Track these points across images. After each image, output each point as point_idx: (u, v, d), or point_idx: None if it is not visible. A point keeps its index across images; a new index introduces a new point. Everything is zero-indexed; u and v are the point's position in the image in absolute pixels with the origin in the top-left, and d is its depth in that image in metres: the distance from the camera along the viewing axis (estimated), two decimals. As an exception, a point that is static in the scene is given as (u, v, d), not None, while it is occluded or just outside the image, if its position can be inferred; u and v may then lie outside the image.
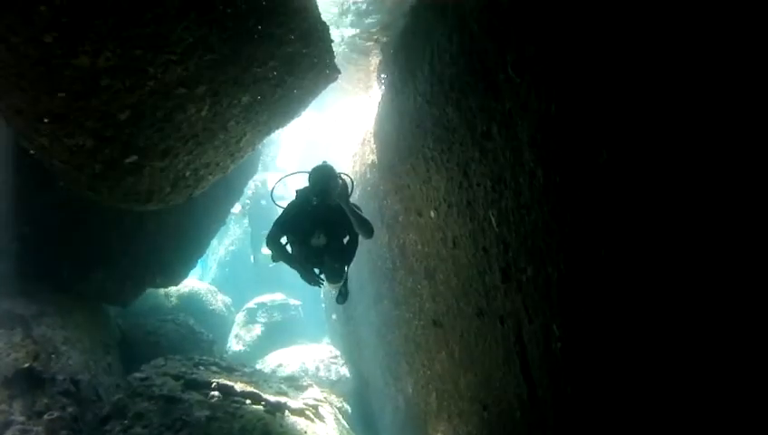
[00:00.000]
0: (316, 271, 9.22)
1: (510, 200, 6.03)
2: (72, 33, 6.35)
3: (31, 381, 9.99)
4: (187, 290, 21.71)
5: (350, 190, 8.80)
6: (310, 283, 9.15)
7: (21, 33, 6.28)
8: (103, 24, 6.39)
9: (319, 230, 8.97)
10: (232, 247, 32.39)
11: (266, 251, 22.06)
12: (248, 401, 10.73)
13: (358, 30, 12.34)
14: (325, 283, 9.47)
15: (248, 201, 28.55)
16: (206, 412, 9.92)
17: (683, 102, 3.44)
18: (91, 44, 6.52)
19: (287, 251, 9.20)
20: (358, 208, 8.74)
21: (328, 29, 9.14)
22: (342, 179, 8.74)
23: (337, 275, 9.44)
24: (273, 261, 9.30)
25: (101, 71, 6.83)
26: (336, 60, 9.89)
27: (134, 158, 8.11)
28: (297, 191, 8.97)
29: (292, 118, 10.54)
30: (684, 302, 3.58)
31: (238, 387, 10.99)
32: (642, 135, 3.81)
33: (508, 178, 6.01)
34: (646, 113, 3.77)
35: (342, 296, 9.61)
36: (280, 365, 18.88)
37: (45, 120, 7.36)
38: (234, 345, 23.46)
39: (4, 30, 6.25)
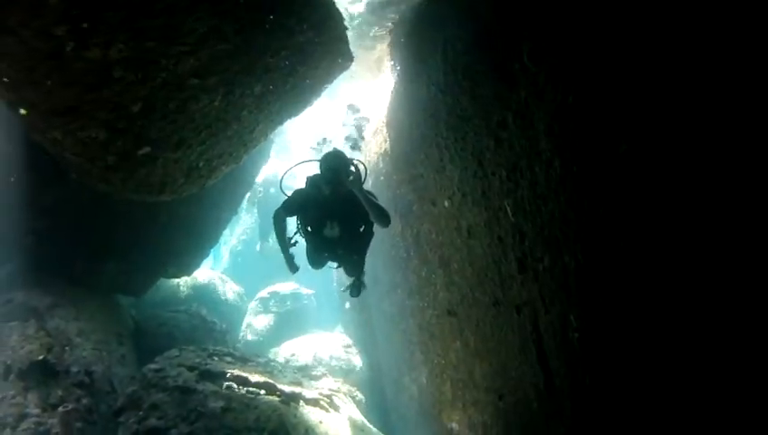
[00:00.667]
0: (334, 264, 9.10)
1: (526, 190, 6.00)
2: (84, 25, 6.34)
3: (45, 373, 10.03)
4: (199, 280, 21.73)
5: (363, 178, 8.50)
6: (313, 266, 9.14)
7: (32, 27, 6.26)
8: (114, 16, 6.38)
9: (332, 220, 8.66)
10: (243, 237, 32.38)
11: (274, 242, 21.87)
12: (263, 392, 10.73)
13: (367, 15, 12.28)
14: (333, 268, 9.40)
15: (260, 190, 28.51)
16: (221, 403, 9.91)
17: (703, 94, 3.40)
18: (103, 36, 6.51)
19: (285, 237, 9.00)
20: (373, 196, 8.45)
21: (342, 18, 9.10)
22: (356, 166, 8.52)
23: (354, 267, 9.30)
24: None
25: (113, 63, 6.82)
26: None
27: (147, 149, 8.10)
28: (308, 178, 8.65)
29: (305, 107, 10.51)
30: (703, 293, 3.56)
31: (253, 377, 10.99)
32: (662, 125, 3.78)
33: (524, 167, 5.98)
34: (666, 103, 3.74)
35: (357, 289, 9.50)
36: (293, 355, 18.88)
37: (57, 114, 7.36)
38: (246, 335, 23.46)
39: (16, 23, 6.24)
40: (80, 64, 6.70)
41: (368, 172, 9.01)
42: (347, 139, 18.49)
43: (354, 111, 15.73)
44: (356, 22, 12.25)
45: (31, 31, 6.31)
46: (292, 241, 9.07)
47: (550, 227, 5.55)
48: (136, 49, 6.82)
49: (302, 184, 8.76)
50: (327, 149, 8.86)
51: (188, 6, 6.74)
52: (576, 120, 4.77)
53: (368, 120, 16.88)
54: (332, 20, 8.88)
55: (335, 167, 8.17)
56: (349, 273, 9.51)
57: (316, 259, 9.11)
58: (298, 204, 8.65)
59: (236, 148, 9.70)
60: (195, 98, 7.88)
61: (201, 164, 9.18)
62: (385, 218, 8.36)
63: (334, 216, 8.62)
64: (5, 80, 7.19)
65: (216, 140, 8.97)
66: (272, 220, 9.03)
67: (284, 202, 8.73)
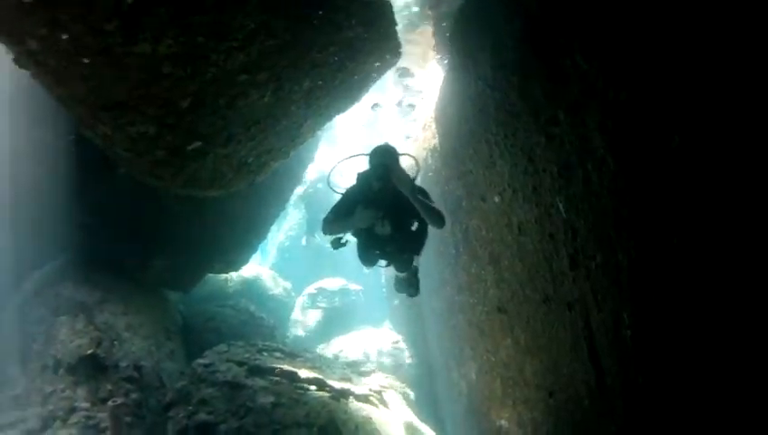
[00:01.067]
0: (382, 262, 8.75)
1: (578, 187, 5.96)
2: (133, 21, 6.40)
3: (94, 368, 10.17)
4: (247, 275, 21.83)
5: (415, 173, 8.28)
6: (365, 264, 8.79)
7: (82, 23, 6.34)
8: (164, 12, 6.43)
9: (383, 217, 8.12)
10: (291, 233, 32.46)
11: (320, 237, 21.81)
12: (313, 388, 10.74)
13: (414, 9, 12.25)
14: (383, 266, 9.02)
15: (308, 185, 28.56)
16: (271, 398, 9.94)
17: (758, 86, 3.35)
18: (153, 32, 6.57)
19: (340, 240, 8.63)
20: (425, 196, 8.00)
21: (391, 13, 9.06)
22: (414, 158, 8.43)
23: (405, 266, 8.92)
24: (334, 248, 8.77)
25: (163, 58, 6.88)
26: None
27: (197, 144, 8.14)
28: (358, 174, 8.35)
29: (354, 102, 10.47)
30: (760, 291, 3.51)
31: (302, 373, 11.03)
32: (716, 119, 3.73)
33: (576, 164, 5.94)
34: (719, 97, 3.69)
35: (414, 288, 9.25)
36: (341, 351, 18.94)
37: (107, 109, 7.44)
38: (294, 331, 23.55)
39: (66, 19, 6.31)
40: (129, 60, 6.77)
41: (419, 166, 8.76)
42: (398, 104, 18.44)
43: (404, 74, 15.64)
44: (404, 13, 12.22)
45: (81, 26, 6.39)
46: (343, 241, 8.73)
47: (602, 224, 5.50)
48: (185, 44, 6.87)
49: (348, 179, 8.50)
50: (379, 112, 8.69)
51: (238, 2, 6.79)
52: (629, 116, 4.73)
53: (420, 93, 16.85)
54: (381, 15, 8.84)
55: (384, 161, 7.85)
56: (399, 270, 9.08)
57: (367, 257, 8.73)
58: (346, 207, 8.22)
59: (285, 143, 9.70)
60: (244, 93, 7.91)
61: (250, 159, 9.21)
62: (439, 220, 7.92)
63: (385, 213, 8.15)
64: (55, 76, 7.30)
65: (266, 136, 8.98)
66: (325, 232, 8.51)
67: (333, 208, 8.38)
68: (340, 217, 8.24)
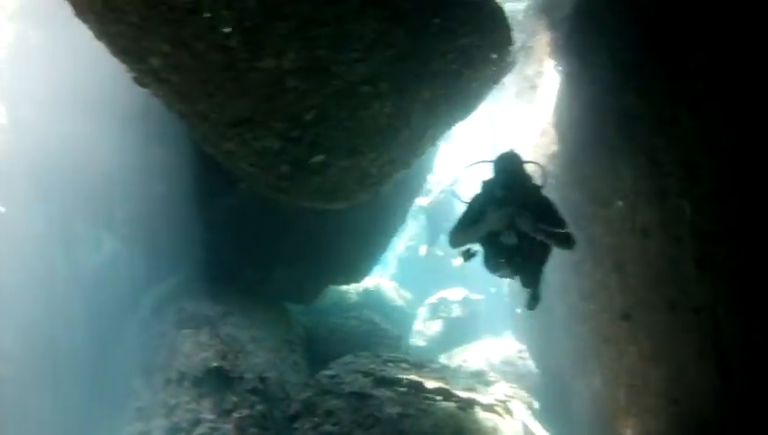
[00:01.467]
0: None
1: (704, 187, 5.81)
2: (257, 36, 6.54)
3: (219, 380, 10.36)
4: (368, 286, 21.91)
5: (542, 181, 7.95)
6: (492, 273, 8.43)
7: (206, 39, 6.51)
8: (286, 26, 6.55)
9: (509, 227, 7.67)
10: (411, 243, 32.43)
11: (442, 248, 21.63)
12: (439, 398, 10.63)
13: (527, 15, 12.19)
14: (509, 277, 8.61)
15: (429, 195, 28.45)
16: (398, 409, 9.88)
17: None
18: (276, 46, 6.70)
19: (469, 251, 8.21)
20: (551, 205, 7.75)
21: (506, 20, 9.01)
22: (539, 165, 8.21)
23: (531, 279, 8.48)
24: (465, 260, 8.43)
25: (286, 72, 6.99)
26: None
27: (320, 157, 8.23)
28: (482, 183, 8.00)
29: (472, 110, 10.35)
30: None
31: (428, 383, 10.94)
32: None
33: (702, 164, 5.80)
34: None
35: (534, 301, 8.80)
36: (465, 361, 18.79)
37: (232, 125, 7.60)
38: (415, 341, 23.50)
39: (189, 37, 6.49)
40: (254, 75, 6.91)
41: (545, 173, 8.29)
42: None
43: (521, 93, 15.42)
44: (519, 17, 12.16)
45: (204, 43, 6.56)
46: (472, 251, 8.35)
47: (732, 226, 5.36)
48: (308, 58, 6.97)
49: (471, 187, 8.31)
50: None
51: (357, 14, 6.86)
52: (757, 113, 4.60)
53: None
54: (496, 22, 8.77)
55: (510, 169, 7.64)
56: (525, 284, 8.61)
57: (493, 266, 8.35)
58: (472, 217, 7.94)
59: (407, 153, 9.67)
60: (366, 105, 7.94)
61: (373, 171, 9.23)
62: (568, 243, 7.60)
63: (511, 222, 7.68)
64: (178, 93, 7.50)
65: (387, 147, 8.98)
66: (452, 244, 8.26)
67: (460, 219, 8.12)
68: (467, 226, 8.00)
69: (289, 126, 7.63)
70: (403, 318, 23.53)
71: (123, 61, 7.39)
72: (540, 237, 7.49)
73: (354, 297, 20.61)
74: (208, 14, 6.23)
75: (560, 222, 7.60)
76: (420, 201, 23.10)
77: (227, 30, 6.40)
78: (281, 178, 8.45)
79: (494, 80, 9.96)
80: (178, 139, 9.92)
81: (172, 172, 10.97)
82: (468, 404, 10.77)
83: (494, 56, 9.29)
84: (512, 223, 7.60)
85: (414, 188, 15.74)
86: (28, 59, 11.40)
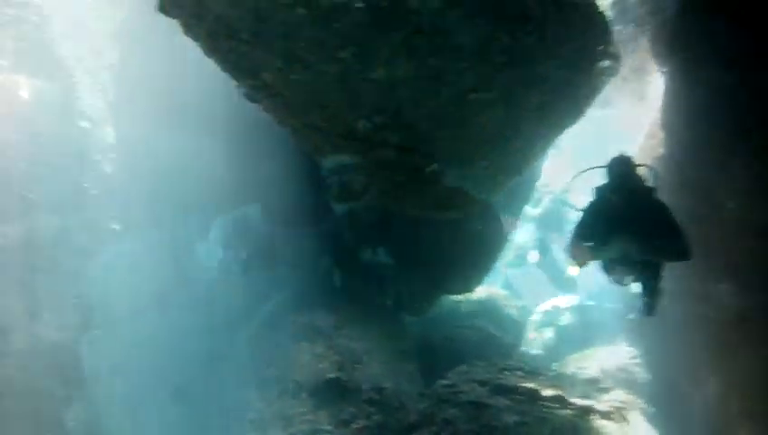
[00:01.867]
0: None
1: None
2: (368, 47, 6.69)
3: (336, 391, 10.60)
4: (480, 295, 21.88)
5: (654, 184, 7.89)
6: (612, 280, 8.41)
7: (317, 53, 6.70)
8: (397, 36, 6.69)
9: (623, 233, 7.60)
10: (521, 251, 32.29)
11: (553, 255, 21.43)
12: (556, 405, 10.68)
13: (629, 20, 12.10)
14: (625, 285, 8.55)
15: (539, 203, 28.21)
16: (515, 417, 9.87)
17: None
18: (387, 56, 6.86)
19: (594, 256, 8.00)
20: (664, 208, 7.67)
21: (608, 24, 8.94)
22: (651, 168, 8.10)
23: (649, 285, 8.37)
24: (579, 266, 8.23)
25: (398, 82, 7.14)
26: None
27: (434, 166, 8.34)
28: (595, 189, 8.00)
29: (580, 116, 10.33)
30: None
31: (544, 391, 10.98)
32: None
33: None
34: None
35: (651, 307, 8.57)
36: (578, 368, 18.64)
37: (345, 136, 7.77)
38: (528, 349, 23.37)
39: (302, 51, 6.68)
40: (366, 86, 7.06)
41: (658, 176, 8.23)
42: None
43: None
44: (623, 19, 12.09)
45: (316, 56, 6.75)
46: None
47: None
48: (419, 67, 7.11)
49: (581, 195, 8.27)
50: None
51: (462, 22, 6.91)
52: None
53: None
54: (598, 26, 8.75)
55: (622, 172, 7.65)
56: (643, 290, 8.47)
57: (611, 273, 8.33)
58: (588, 226, 7.98)
59: (517, 160, 9.77)
60: (477, 113, 8.06)
61: (485, 179, 9.30)
62: (685, 256, 7.57)
63: (626, 228, 7.62)
64: (289, 107, 7.71)
65: (498, 154, 9.09)
66: (569, 256, 8.29)
67: (576, 226, 8.13)
68: (586, 239, 7.99)
69: (404, 136, 7.76)
70: (515, 326, 23.43)
71: (234, 77, 7.60)
72: (652, 255, 7.60)
73: (467, 306, 20.58)
74: (320, 28, 6.42)
75: (674, 228, 7.53)
76: (530, 210, 23.00)
77: (338, 42, 6.56)
78: (396, 188, 8.59)
79: (600, 83, 9.93)
80: (290, 149, 10.15)
81: (283, 186, 11.23)
82: (585, 412, 10.74)
83: (602, 61, 9.27)
84: (625, 222, 7.57)
85: (523, 196, 15.71)
86: (134, 77, 11.92)
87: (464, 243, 13.10)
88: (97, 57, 12.39)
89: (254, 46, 7.00)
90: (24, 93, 11.61)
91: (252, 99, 8.04)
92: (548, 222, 24.86)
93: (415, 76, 7.13)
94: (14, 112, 11.44)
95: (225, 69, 7.78)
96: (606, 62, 9.49)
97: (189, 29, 7.51)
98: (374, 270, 9.92)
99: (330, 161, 8.76)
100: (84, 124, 12.32)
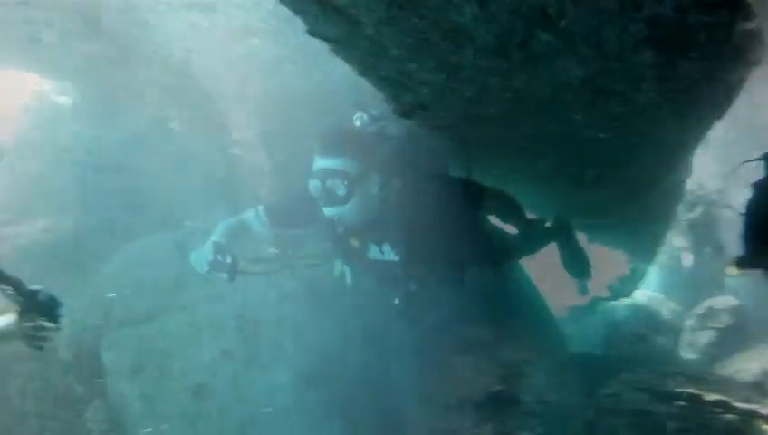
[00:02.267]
0: None
1: None
2: (534, 55, 6.67)
3: (500, 404, 10.74)
4: (634, 299, 21.59)
5: None
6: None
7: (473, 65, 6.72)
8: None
9: None
10: (674, 253, 31.57)
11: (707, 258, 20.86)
12: (719, 410, 10.51)
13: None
14: None
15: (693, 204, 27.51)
16: (676, 424, 9.90)
17: None
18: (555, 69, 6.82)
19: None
20: None
21: (752, 9, 8.60)
22: None
23: None
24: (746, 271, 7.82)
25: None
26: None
27: (592, 172, 8.37)
28: (752, 185, 7.37)
29: (722, 114, 9.89)
30: None
31: (706, 396, 10.79)
32: None
33: None
34: None
35: None
36: (738, 371, 18.20)
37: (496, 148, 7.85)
38: (685, 353, 22.90)
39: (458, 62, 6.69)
40: (506, 94, 7.02)
41: None
42: None
43: None
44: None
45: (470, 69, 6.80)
46: None
47: None
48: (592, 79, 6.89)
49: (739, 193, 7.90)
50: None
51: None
52: None
53: None
54: (742, 12, 8.42)
55: None
56: None
57: None
58: (755, 229, 7.33)
59: (667, 161, 9.52)
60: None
61: (640, 181, 9.23)
62: None
63: None
64: (443, 119, 7.83)
65: (651, 155, 8.87)
66: (743, 264, 7.71)
67: (744, 235, 7.52)
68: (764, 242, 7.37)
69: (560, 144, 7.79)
70: (672, 330, 22.99)
71: (382, 90, 7.59)
72: None
73: (620, 311, 20.44)
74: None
75: None
76: (681, 210, 22.52)
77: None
78: (557, 194, 8.60)
79: (743, 74, 9.66)
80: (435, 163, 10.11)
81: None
82: (750, 416, 10.53)
83: (742, 48, 9.02)
84: None
85: (676, 196, 15.48)
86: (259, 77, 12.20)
87: (620, 247, 12.96)
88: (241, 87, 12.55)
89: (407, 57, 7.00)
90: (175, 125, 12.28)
91: (404, 115, 8.14)
92: (701, 223, 24.21)
93: (584, 88, 6.61)
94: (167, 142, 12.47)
95: (376, 85, 7.79)
96: (748, 58, 9.17)
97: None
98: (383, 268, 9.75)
99: (315, 165, 8.70)
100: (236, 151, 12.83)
